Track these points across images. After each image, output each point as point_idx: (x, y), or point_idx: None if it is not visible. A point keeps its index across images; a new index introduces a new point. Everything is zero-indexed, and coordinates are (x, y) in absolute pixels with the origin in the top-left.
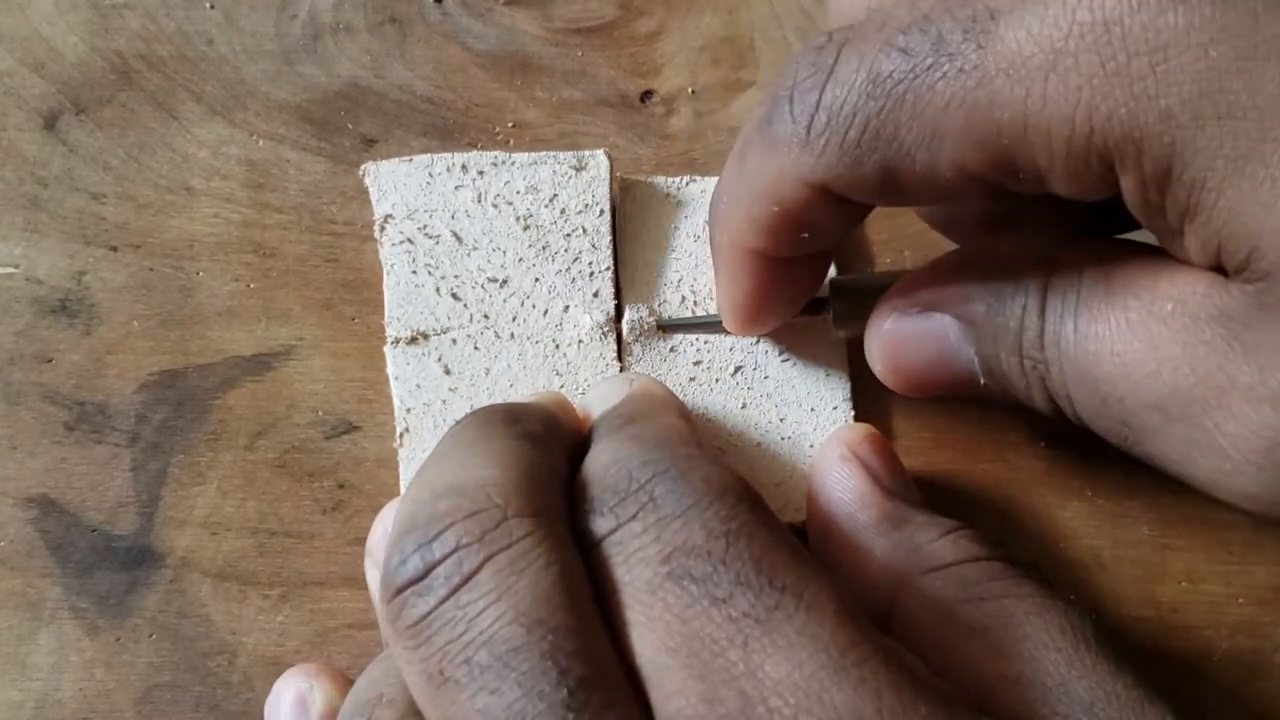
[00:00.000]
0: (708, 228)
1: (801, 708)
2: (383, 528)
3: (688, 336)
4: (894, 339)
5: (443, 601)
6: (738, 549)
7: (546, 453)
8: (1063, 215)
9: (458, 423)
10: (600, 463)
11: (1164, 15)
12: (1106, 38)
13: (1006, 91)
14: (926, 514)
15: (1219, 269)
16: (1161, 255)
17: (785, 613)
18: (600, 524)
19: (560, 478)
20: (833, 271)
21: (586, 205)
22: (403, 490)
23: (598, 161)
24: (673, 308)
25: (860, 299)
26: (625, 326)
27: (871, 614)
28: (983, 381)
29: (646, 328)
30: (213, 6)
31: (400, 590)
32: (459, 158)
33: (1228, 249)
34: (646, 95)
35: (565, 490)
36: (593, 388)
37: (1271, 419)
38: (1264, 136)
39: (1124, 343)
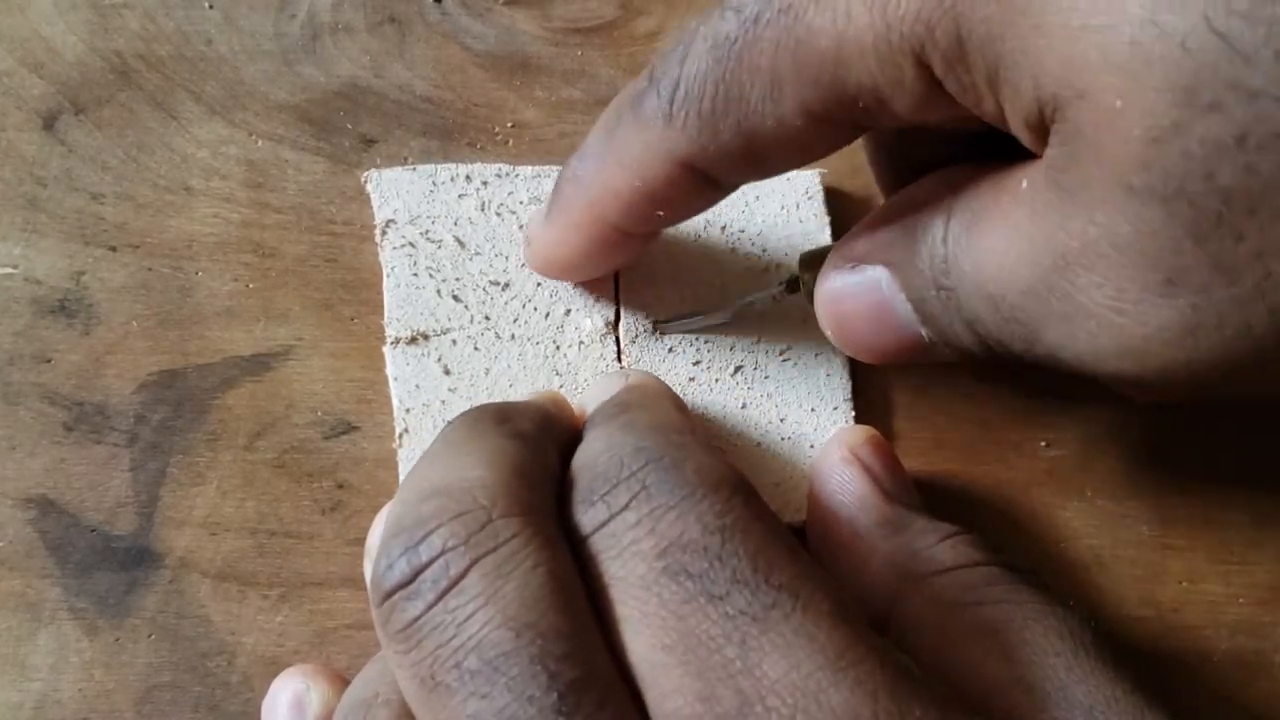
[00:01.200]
0: (560, 184)
1: (799, 708)
2: (382, 527)
3: (687, 337)
4: (834, 298)
5: (431, 606)
6: (733, 545)
7: (538, 450)
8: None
9: (449, 423)
10: (592, 450)
11: None
12: None
13: (818, 19)
14: (926, 518)
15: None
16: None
17: (782, 611)
18: (592, 514)
19: (552, 475)
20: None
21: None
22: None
23: None
24: (671, 309)
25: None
26: (623, 328)
27: (870, 617)
28: (924, 333)
29: (645, 329)
30: (211, 6)
31: (389, 594)
32: (463, 168)
33: (1024, 98)
34: None
35: (557, 488)
36: (590, 385)
37: (1111, 265)
38: None
39: (998, 237)
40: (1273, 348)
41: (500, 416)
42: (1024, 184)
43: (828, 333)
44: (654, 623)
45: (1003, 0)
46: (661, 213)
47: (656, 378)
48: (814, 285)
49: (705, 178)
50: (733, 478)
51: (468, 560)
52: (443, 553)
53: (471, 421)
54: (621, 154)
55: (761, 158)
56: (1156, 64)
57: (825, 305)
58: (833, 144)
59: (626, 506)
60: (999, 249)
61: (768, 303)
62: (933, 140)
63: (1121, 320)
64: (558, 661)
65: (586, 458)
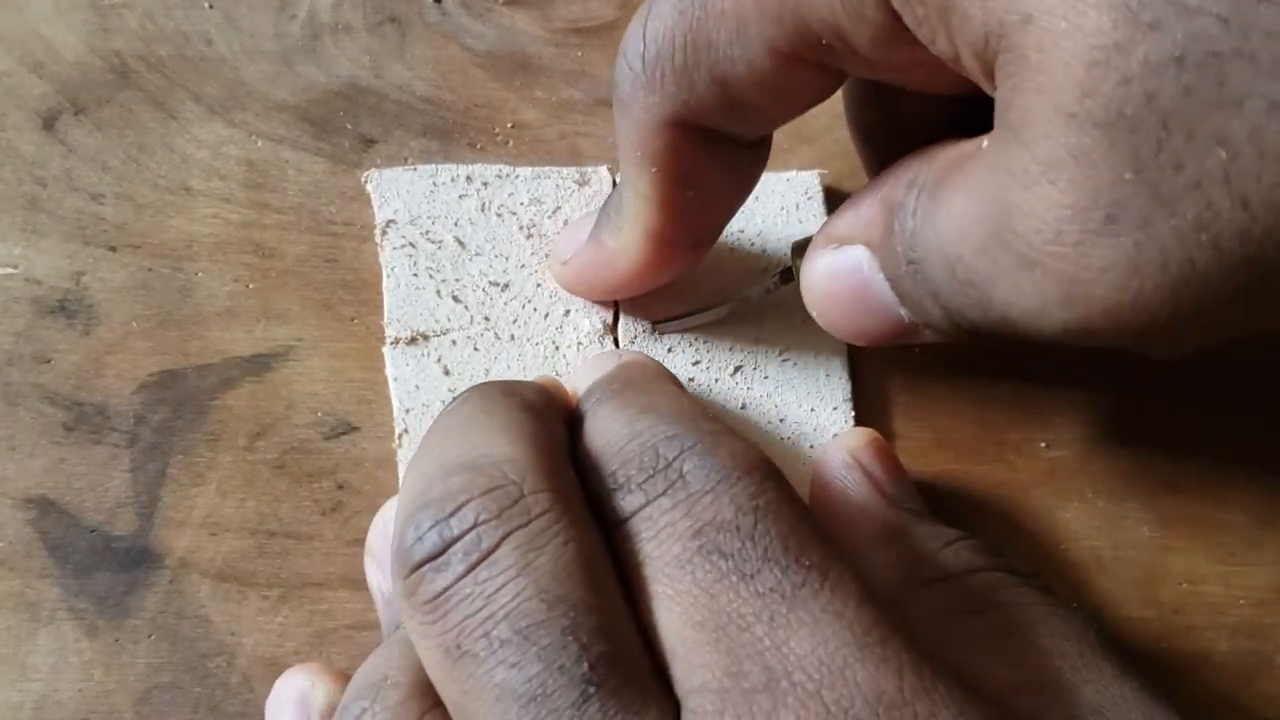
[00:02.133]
0: (600, 217)
1: (824, 683)
2: (382, 526)
3: (685, 337)
4: (818, 279)
5: (461, 578)
6: (765, 525)
7: (551, 425)
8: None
9: (455, 398)
10: (616, 434)
11: None
12: None
13: None
14: (929, 523)
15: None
16: None
17: (811, 590)
18: (629, 501)
19: (565, 449)
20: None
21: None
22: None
23: (600, 176)
24: (670, 309)
25: None
26: (622, 329)
27: None
28: (904, 314)
29: (644, 330)
30: (211, 6)
31: (417, 566)
32: (463, 169)
33: (974, 29)
34: None
35: (569, 461)
36: (580, 365)
37: (1052, 203)
38: None
39: (958, 201)
40: (1217, 285)
41: (509, 389)
42: (984, 143)
43: (815, 314)
44: (686, 600)
45: None
46: (691, 192)
47: (649, 356)
48: None
49: (707, 135)
50: (764, 462)
51: (500, 534)
52: (475, 526)
53: (481, 397)
54: (627, 149)
55: (741, 104)
56: None
57: (810, 287)
58: (809, 90)
59: (663, 494)
60: (956, 212)
61: (763, 295)
62: (915, 122)
63: (1062, 265)
64: (589, 634)
65: (608, 440)
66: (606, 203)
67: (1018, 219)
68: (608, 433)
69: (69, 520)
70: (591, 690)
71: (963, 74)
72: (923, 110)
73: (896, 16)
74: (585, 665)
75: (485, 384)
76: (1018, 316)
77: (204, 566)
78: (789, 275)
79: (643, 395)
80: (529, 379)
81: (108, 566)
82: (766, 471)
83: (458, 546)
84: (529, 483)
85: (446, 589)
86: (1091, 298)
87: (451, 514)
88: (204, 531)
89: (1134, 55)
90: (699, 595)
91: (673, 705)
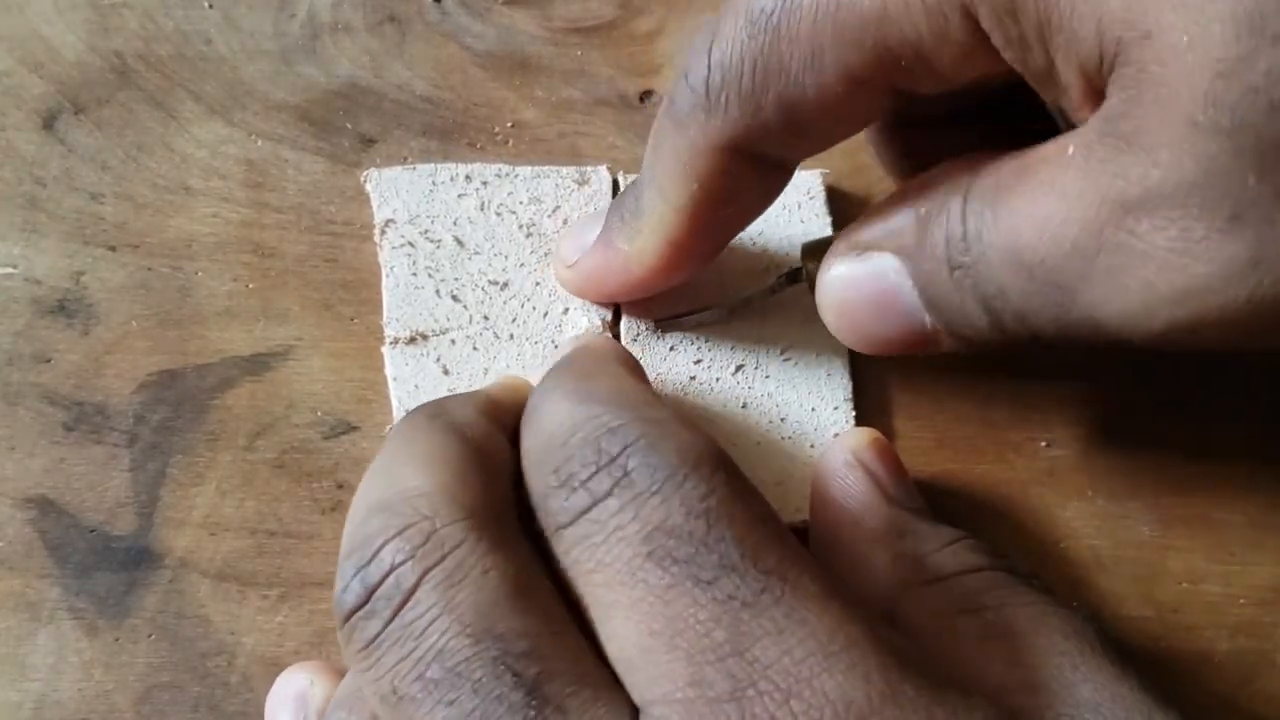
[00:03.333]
0: (618, 212)
1: (792, 693)
2: None
3: (687, 336)
4: (838, 287)
5: (388, 623)
6: (719, 529)
7: (483, 439)
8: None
9: (392, 428)
10: (557, 426)
11: None
12: None
13: None
14: (929, 523)
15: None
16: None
17: (772, 596)
18: (574, 501)
19: (501, 463)
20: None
21: (591, 214)
22: None
23: (600, 176)
24: (671, 307)
25: None
26: (624, 327)
27: None
28: (928, 321)
29: (645, 328)
30: (211, 6)
31: (348, 616)
32: (462, 168)
33: (1085, 45)
34: (646, 95)
35: (509, 471)
36: (553, 357)
37: (1176, 204)
38: None
39: (1037, 203)
40: None
41: (435, 411)
42: (1070, 149)
43: (828, 321)
44: (641, 608)
45: None
46: (729, 209)
47: (607, 337)
48: (816, 274)
49: (757, 159)
50: (713, 453)
51: (418, 573)
52: (392, 569)
53: (408, 424)
54: (672, 166)
55: (804, 129)
56: (1225, 1)
57: (828, 293)
58: (871, 112)
59: (609, 494)
60: (1038, 214)
61: (767, 295)
62: (939, 131)
63: (1184, 260)
64: (521, 660)
65: (549, 433)
66: (619, 205)
67: (1136, 220)
68: (549, 425)
69: (69, 520)
70: (533, 713)
71: (1040, 85)
72: (948, 118)
73: (983, 36)
74: (522, 690)
75: (417, 408)
76: (1108, 314)
77: (204, 566)
78: (796, 276)
79: (585, 381)
80: (526, 377)
81: (108, 566)
82: (715, 464)
83: (379, 592)
84: (441, 515)
85: (376, 635)
86: (1209, 292)
87: (370, 560)
88: (204, 531)
89: (1257, 66)
90: (654, 603)
91: (629, 711)
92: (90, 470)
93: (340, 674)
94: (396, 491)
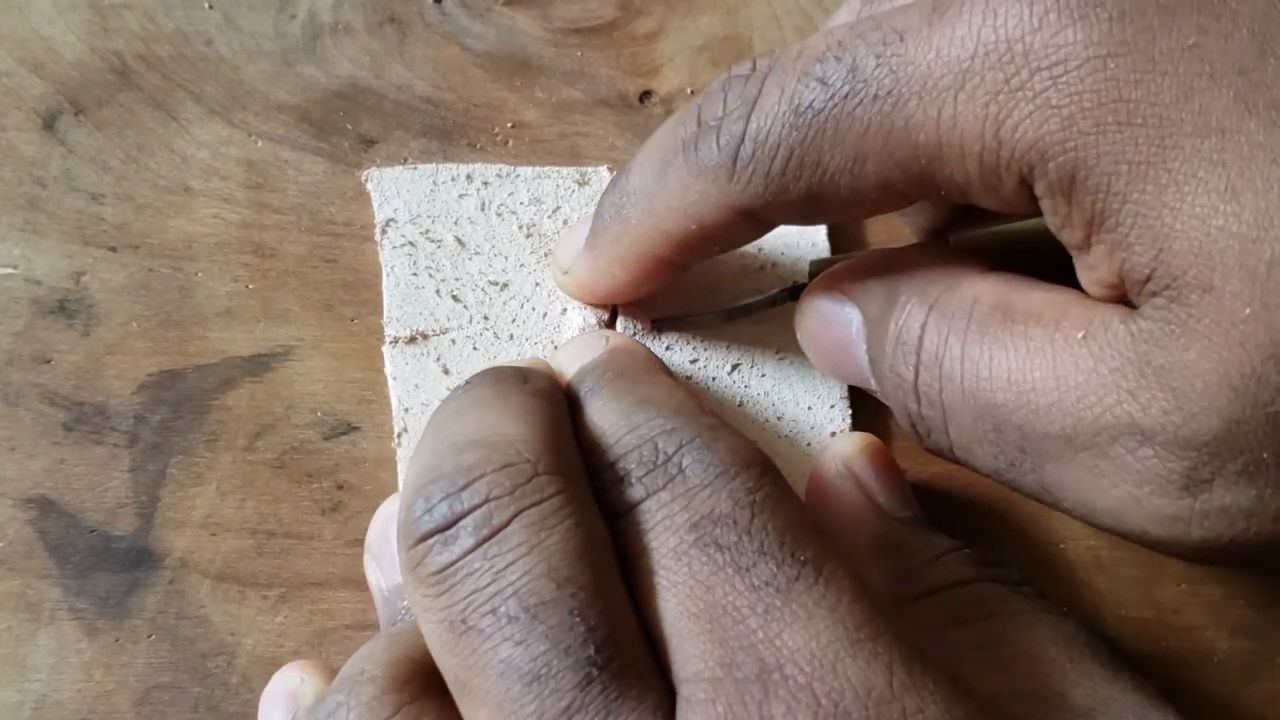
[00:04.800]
0: (604, 218)
1: (815, 676)
2: (381, 524)
3: (683, 335)
4: (809, 316)
5: (469, 552)
6: (762, 519)
7: (562, 412)
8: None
9: (468, 380)
10: (613, 425)
11: (1064, 32)
12: (1009, 55)
13: (920, 114)
14: (922, 533)
15: (1123, 299)
16: (1073, 290)
17: (805, 584)
18: (630, 493)
19: (573, 439)
20: (814, 254)
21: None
22: (401, 489)
23: (600, 177)
24: (666, 307)
25: None
26: (619, 327)
27: None
28: (873, 384)
29: (641, 327)
30: (211, 7)
31: (424, 538)
32: (463, 168)
33: (1134, 258)
34: (646, 95)
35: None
36: (563, 346)
37: (1189, 446)
38: (1164, 143)
39: (1024, 370)
40: None
41: (523, 376)
42: (1079, 334)
43: (801, 343)
44: (682, 591)
45: (1137, 167)
46: (716, 248)
47: (637, 341)
48: None
49: (758, 222)
50: (762, 458)
51: (512, 511)
52: (486, 501)
53: (497, 379)
54: (675, 200)
55: (824, 212)
56: None
57: (802, 320)
58: (892, 209)
59: (663, 488)
60: (1022, 381)
61: (767, 305)
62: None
63: (1179, 492)
64: (596, 617)
65: (604, 431)
66: (602, 207)
67: (1137, 444)
68: (604, 423)
69: (69, 520)
70: (595, 673)
71: (1067, 244)
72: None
73: (1031, 198)
74: (591, 648)
75: (498, 367)
76: (1074, 502)
77: (204, 566)
78: (799, 292)
79: (638, 386)
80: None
81: (108, 566)
82: (764, 467)
83: (467, 520)
84: (543, 463)
85: (454, 562)
86: (1193, 525)
87: (464, 487)
88: (204, 532)
89: None
90: (695, 587)
91: (669, 692)
92: (90, 470)
93: (333, 673)
94: (496, 434)
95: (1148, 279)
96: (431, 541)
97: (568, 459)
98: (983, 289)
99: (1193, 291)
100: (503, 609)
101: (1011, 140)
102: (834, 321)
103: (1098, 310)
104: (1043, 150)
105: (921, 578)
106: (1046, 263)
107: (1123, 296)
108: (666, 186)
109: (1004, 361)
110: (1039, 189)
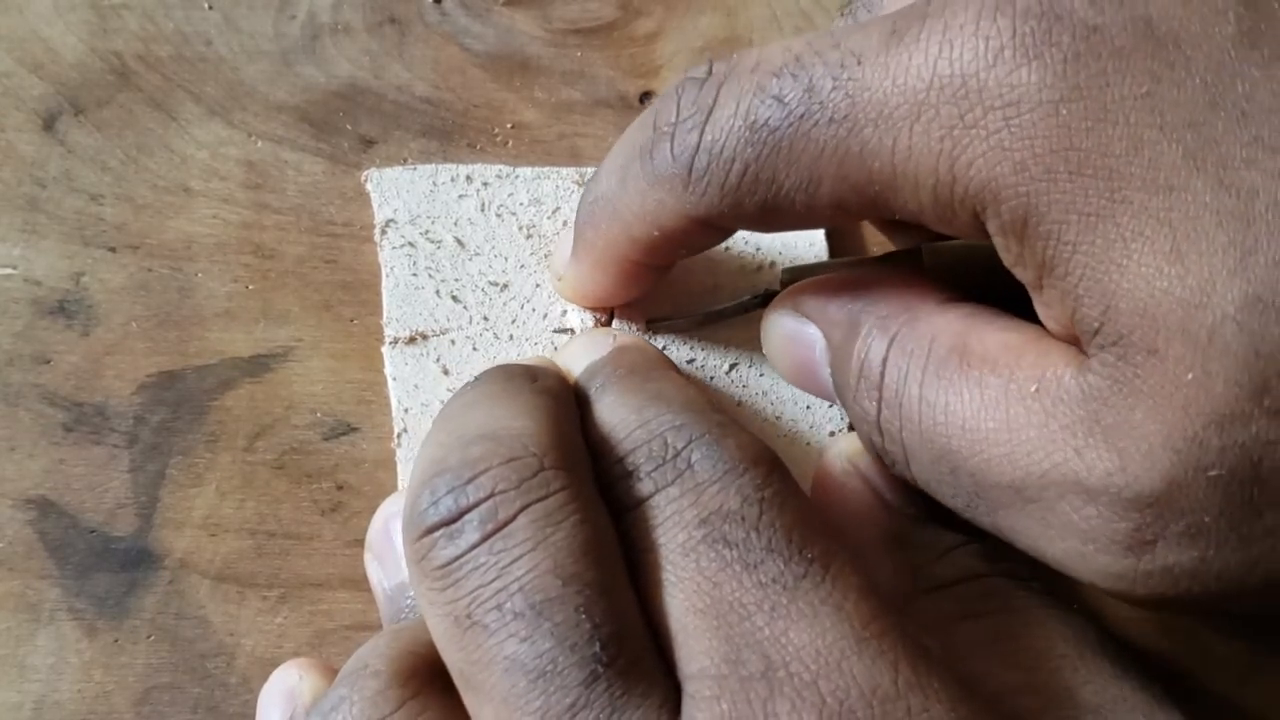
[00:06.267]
0: (580, 223)
1: (820, 674)
2: (382, 523)
3: (680, 335)
4: (774, 331)
5: (475, 546)
6: (770, 516)
7: (570, 409)
8: None
9: (478, 377)
10: (623, 421)
11: (1018, 71)
12: (964, 91)
13: (875, 141)
14: (929, 528)
15: (1075, 340)
16: (1031, 330)
17: (812, 581)
18: (638, 488)
19: (581, 435)
20: (812, 253)
21: None
22: (401, 488)
23: None
24: (663, 307)
25: None
26: (615, 327)
27: None
28: (838, 403)
29: (637, 329)
30: (211, 7)
31: (430, 530)
32: (463, 169)
33: (1083, 309)
34: (645, 96)
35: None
36: (568, 343)
37: (1132, 507)
38: (1114, 197)
39: (978, 419)
40: (1251, 596)
41: (531, 374)
42: (1032, 387)
43: (767, 356)
44: (689, 588)
45: (1086, 219)
46: (684, 251)
47: (644, 339)
48: None
49: (716, 230)
50: (771, 456)
51: (517, 505)
52: (492, 495)
53: (505, 376)
54: (635, 206)
55: (779, 223)
56: (1233, 358)
57: (768, 336)
58: (854, 223)
59: (672, 483)
60: (976, 430)
61: (740, 311)
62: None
63: (1124, 553)
64: (602, 614)
65: (614, 426)
66: (579, 213)
67: (1081, 502)
68: (614, 419)
69: (69, 521)
70: (600, 670)
71: (1023, 280)
72: None
73: (984, 232)
74: (596, 645)
75: (506, 365)
76: (1027, 544)
77: (203, 567)
78: (771, 299)
79: (649, 382)
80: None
81: (107, 567)
82: (773, 464)
83: (473, 514)
84: (549, 458)
85: (460, 556)
86: (1136, 582)
87: (469, 480)
88: (203, 532)
89: (1250, 429)
90: (702, 583)
91: (675, 689)
92: (90, 471)
93: (333, 672)
94: (503, 428)
95: (1097, 331)
96: (437, 535)
97: (574, 455)
98: (940, 326)
99: (1138, 352)
100: (508, 605)
101: (965, 178)
102: (799, 342)
103: (1051, 357)
104: (995, 191)
105: (932, 572)
106: (1016, 279)
107: (1070, 331)
108: (627, 193)
109: (959, 408)
110: (991, 228)
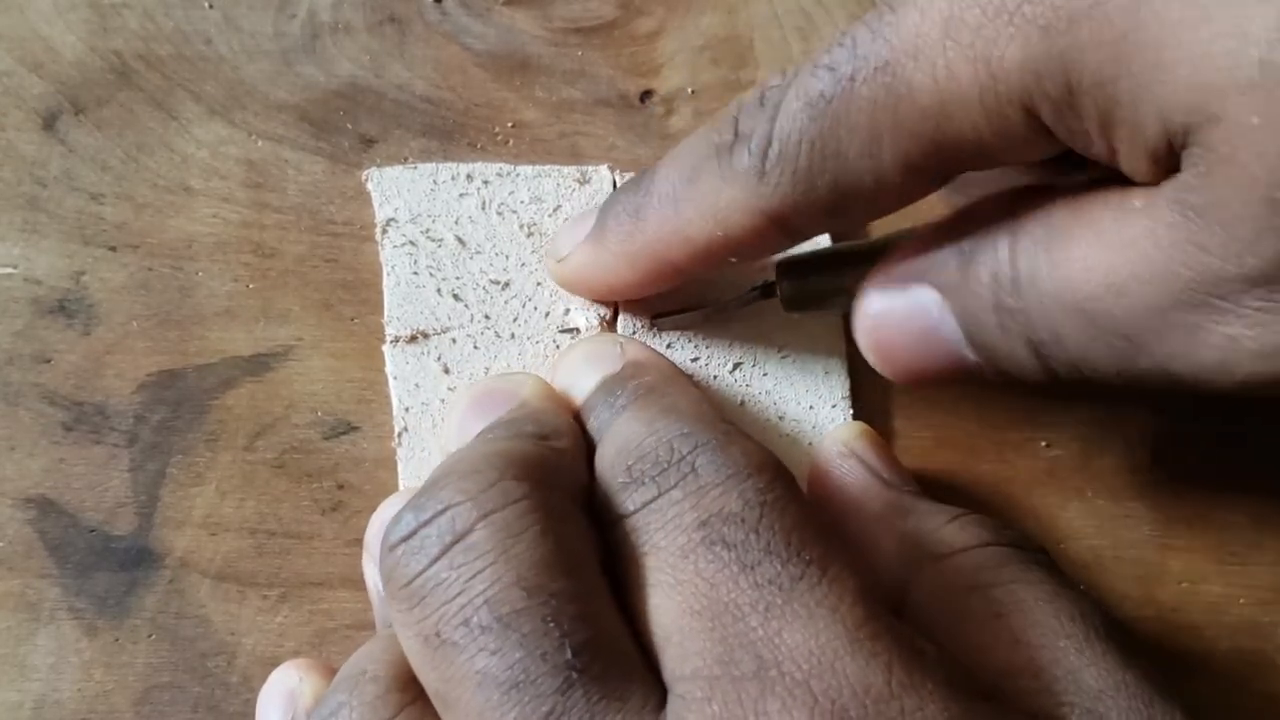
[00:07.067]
0: (615, 214)
1: (813, 674)
2: (380, 524)
3: (685, 333)
4: (877, 322)
5: (435, 560)
6: (771, 519)
7: (572, 462)
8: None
9: (489, 426)
10: (635, 434)
11: None
12: None
13: (918, 76)
14: (930, 502)
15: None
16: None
17: (809, 583)
18: (641, 493)
19: (581, 482)
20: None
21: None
22: (401, 488)
23: (600, 175)
24: (668, 304)
25: (806, 277)
26: (620, 325)
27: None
28: (971, 356)
29: (642, 325)
30: (211, 6)
31: (393, 548)
32: (464, 167)
33: (1147, 129)
34: (646, 95)
35: (582, 480)
36: (571, 349)
37: (1257, 272)
38: (1136, 24)
39: (1100, 255)
40: None
41: (540, 433)
42: (1137, 203)
43: (864, 351)
44: (687, 589)
45: (1114, 44)
46: (734, 259)
47: (652, 350)
48: (791, 292)
49: (787, 229)
50: (775, 463)
51: (475, 515)
52: (447, 507)
53: (507, 424)
54: (704, 204)
55: (849, 211)
56: None
57: (866, 328)
58: (919, 196)
59: (675, 486)
60: (1101, 266)
61: (739, 305)
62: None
63: (1271, 320)
64: (571, 621)
65: (627, 440)
66: (616, 204)
67: (1219, 285)
68: (629, 432)
69: (69, 520)
70: (575, 676)
71: (1108, 164)
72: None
73: (1046, 129)
74: (568, 651)
75: (521, 419)
76: (1183, 368)
77: (204, 566)
78: (770, 290)
79: (664, 397)
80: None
81: (108, 566)
82: (777, 471)
83: (430, 528)
84: (511, 471)
85: (421, 572)
86: None
87: (428, 496)
88: (204, 531)
89: None
90: (699, 584)
91: (658, 691)
92: (90, 470)
93: (333, 672)
94: (472, 453)
95: (1170, 145)
96: (399, 551)
97: (542, 475)
98: (1041, 203)
99: (1202, 129)
100: (475, 619)
101: (1004, 72)
102: (907, 314)
103: (1157, 188)
104: (1034, 68)
105: (939, 540)
106: None
107: (1161, 172)
108: (697, 191)
109: (1081, 254)
110: (1046, 115)
